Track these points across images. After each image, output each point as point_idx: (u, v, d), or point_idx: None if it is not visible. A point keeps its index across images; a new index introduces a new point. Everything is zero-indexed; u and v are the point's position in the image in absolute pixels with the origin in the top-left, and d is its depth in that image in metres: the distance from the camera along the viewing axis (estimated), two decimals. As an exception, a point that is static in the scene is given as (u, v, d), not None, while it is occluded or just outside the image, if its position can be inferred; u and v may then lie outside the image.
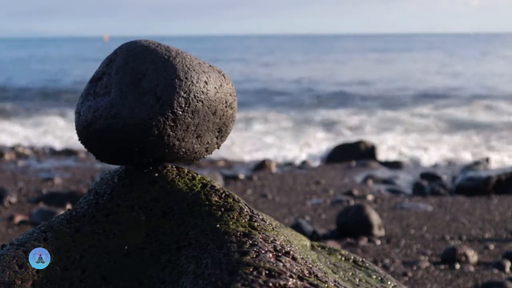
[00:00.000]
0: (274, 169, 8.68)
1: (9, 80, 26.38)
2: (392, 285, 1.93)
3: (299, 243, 1.98)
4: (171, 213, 1.64)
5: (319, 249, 2.11)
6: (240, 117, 13.28)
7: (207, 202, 1.64)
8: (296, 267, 1.43)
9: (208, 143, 1.73)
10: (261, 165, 8.79)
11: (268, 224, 1.63)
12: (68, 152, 10.46)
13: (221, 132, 1.76)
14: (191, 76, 1.62)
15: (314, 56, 46.62)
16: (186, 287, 1.42)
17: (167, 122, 1.59)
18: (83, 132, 1.66)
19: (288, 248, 1.51)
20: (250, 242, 1.49)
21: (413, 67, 32.13)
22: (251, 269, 1.37)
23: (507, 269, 4.18)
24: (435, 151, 10.47)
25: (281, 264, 1.42)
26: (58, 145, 11.45)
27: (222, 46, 73.74)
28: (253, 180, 7.62)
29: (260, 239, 1.51)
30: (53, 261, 1.57)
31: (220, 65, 2.34)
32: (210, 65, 1.71)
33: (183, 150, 1.68)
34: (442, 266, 4.26)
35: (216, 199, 1.66)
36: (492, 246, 4.72)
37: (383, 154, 10.13)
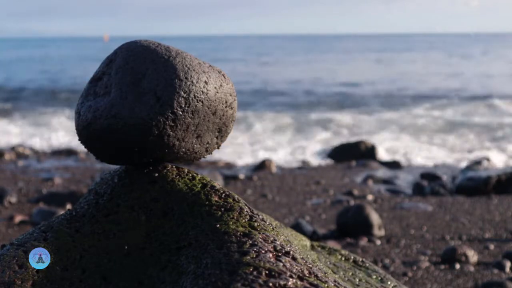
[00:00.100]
0: (274, 169, 8.68)
1: (9, 80, 26.38)
2: (392, 285, 1.93)
3: (299, 243, 1.98)
4: (171, 213, 1.64)
5: (319, 249, 2.11)
6: (240, 117, 13.28)
7: (207, 202, 1.64)
8: (296, 267, 1.43)
9: (208, 143, 1.73)
10: (261, 165, 8.79)
11: (268, 224, 1.63)
12: (68, 152, 10.47)
13: (221, 132, 1.76)
14: (191, 76, 1.62)
15: (314, 56, 46.61)
16: (186, 287, 1.42)
17: (167, 122, 1.59)
18: (83, 132, 1.66)
19: (288, 248, 1.51)
20: (250, 242, 1.49)
21: (413, 67, 32.12)
22: (251, 269, 1.37)
23: (507, 269, 4.18)
24: (434, 151, 10.47)
25: (281, 264, 1.42)
26: (58, 145, 11.44)
27: (222, 46, 73.75)
28: (253, 180, 7.62)
29: (260, 239, 1.51)
30: (53, 261, 1.57)
31: (220, 65, 2.34)
32: (210, 65, 1.71)
33: (183, 150, 1.68)
34: (442, 266, 4.26)
35: (216, 199, 1.66)
36: (492, 246, 4.72)
37: (382, 155, 10.13)
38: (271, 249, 1.48)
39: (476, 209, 6.02)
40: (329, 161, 9.76)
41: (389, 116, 14.98)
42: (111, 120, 1.59)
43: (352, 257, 2.08)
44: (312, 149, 10.90)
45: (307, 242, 2.12)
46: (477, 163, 8.26)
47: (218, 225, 1.56)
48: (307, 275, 1.42)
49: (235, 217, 1.59)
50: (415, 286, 3.93)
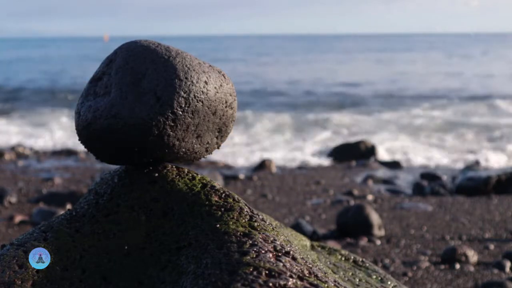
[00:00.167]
0: (274, 169, 8.68)
1: (8, 80, 26.38)
2: (392, 285, 1.93)
3: (299, 243, 1.98)
4: (171, 213, 1.64)
5: (319, 249, 2.11)
6: (239, 117, 13.28)
7: (207, 202, 1.64)
8: (296, 267, 1.43)
9: (208, 143, 1.73)
10: (261, 165, 8.79)
11: (268, 224, 1.63)
12: (68, 152, 10.47)
13: (221, 132, 1.76)
14: (191, 76, 1.62)
15: (314, 56, 46.62)
16: (186, 287, 1.42)
17: (167, 122, 1.59)
18: (83, 132, 1.66)
19: (288, 248, 1.51)
20: (250, 242, 1.49)
21: (413, 67, 32.12)
22: (251, 269, 1.37)
23: (507, 269, 4.18)
24: (434, 152, 10.47)
25: (281, 264, 1.42)
26: (57, 145, 11.44)
27: (222, 46, 73.76)
28: (253, 180, 7.62)
29: (260, 239, 1.51)
30: (53, 261, 1.57)
31: (220, 65, 2.34)
32: (210, 65, 1.71)
33: (183, 150, 1.68)
34: (442, 266, 4.26)
35: (216, 199, 1.66)
36: (492, 246, 4.72)
37: (382, 155, 10.13)
38: (271, 249, 1.48)
39: (476, 209, 6.02)
40: (329, 161, 9.76)
41: (388, 116, 14.98)
42: (111, 120, 1.59)
43: (352, 257, 2.08)
44: (311, 149, 10.90)
45: (307, 242, 2.12)
46: (476, 163, 8.26)
47: (218, 225, 1.56)
48: (307, 275, 1.42)
49: (235, 217, 1.59)
50: (415, 286, 3.93)
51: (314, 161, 9.85)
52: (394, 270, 4.18)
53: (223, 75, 1.72)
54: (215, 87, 1.67)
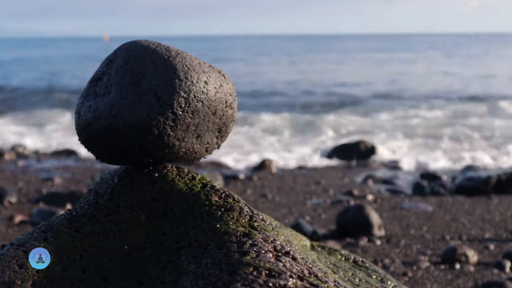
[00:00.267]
0: (274, 169, 8.68)
1: (8, 80, 26.38)
2: (392, 285, 1.93)
3: (299, 243, 1.98)
4: (171, 213, 1.64)
5: (319, 249, 2.11)
6: (239, 117, 13.28)
7: (207, 202, 1.64)
8: (296, 267, 1.43)
9: (208, 143, 1.73)
10: (261, 165, 8.79)
11: (268, 224, 1.63)
12: (68, 152, 10.47)
13: (221, 132, 1.76)
14: (191, 76, 1.62)
15: (313, 56, 46.61)
16: (186, 287, 1.42)
17: (167, 122, 1.59)
18: (83, 132, 1.66)
19: (288, 248, 1.51)
20: (250, 242, 1.49)
21: (413, 67, 32.12)
22: (251, 269, 1.37)
23: (507, 269, 4.18)
24: (433, 152, 10.46)
25: (281, 264, 1.42)
26: (57, 146, 11.43)
27: (222, 46, 73.75)
28: (253, 180, 7.62)
29: (260, 239, 1.51)
30: (53, 261, 1.57)
31: (220, 65, 2.34)
32: (210, 65, 1.71)
33: (183, 150, 1.68)
34: (442, 266, 4.26)
35: (216, 199, 1.66)
36: (492, 246, 4.72)
37: (382, 155, 10.13)
38: (271, 249, 1.48)
39: (476, 209, 6.02)
40: (329, 161, 9.76)
41: (388, 117, 14.98)
42: (111, 120, 1.59)
43: (352, 257, 2.08)
44: (311, 149, 10.90)
45: (307, 242, 2.12)
46: (476, 163, 8.26)
47: (218, 225, 1.56)
48: (307, 275, 1.42)
49: (235, 217, 1.59)
50: (415, 286, 3.93)
51: (314, 161, 9.85)
52: (394, 270, 4.18)
53: (223, 75, 1.72)
54: (215, 87, 1.67)
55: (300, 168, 9.07)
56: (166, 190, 1.68)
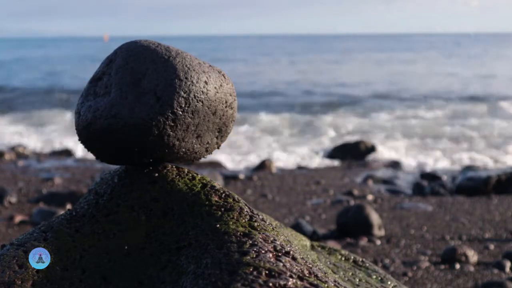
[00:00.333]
0: (274, 169, 8.68)
1: (8, 80, 26.37)
2: (392, 285, 1.93)
3: (299, 243, 1.98)
4: (171, 213, 1.64)
5: (319, 249, 2.11)
6: (238, 117, 13.27)
7: (207, 202, 1.64)
8: (296, 267, 1.43)
9: (208, 143, 1.73)
10: (261, 165, 8.79)
11: (268, 224, 1.63)
12: (68, 152, 10.47)
13: (221, 132, 1.76)
14: (191, 76, 1.62)
15: (313, 56, 46.61)
16: (186, 287, 1.42)
17: (167, 122, 1.59)
18: (83, 132, 1.66)
19: (288, 248, 1.51)
20: (250, 242, 1.49)
21: (413, 68, 32.12)
22: (251, 269, 1.37)
23: (507, 269, 4.18)
24: (433, 153, 10.46)
25: (281, 264, 1.42)
26: (56, 146, 11.43)
27: (222, 46, 73.74)
28: (253, 180, 7.62)
29: (260, 239, 1.51)
30: (53, 261, 1.57)
31: (220, 65, 2.34)
32: (210, 65, 1.71)
33: (183, 150, 1.68)
34: (442, 266, 4.26)
35: (216, 199, 1.66)
36: (492, 246, 4.72)
37: (382, 155, 10.12)
38: (271, 249, 1.48)
39: (476, 209, 6.02)
40: (329, 161, 9.76)
41: (388, 117, 14.98)
42: (111, 120, 1.59)
43: (352, 257, 2.08)
44: (311, 149, 10.90)
45: (307, 242, 2.12)
46: (475, 164, 8.26)
47: (218, 225, 1.56)
48: (307, 275, 1.42)
49: (235, 217, 1.59)
50: (415, 286, 3.93)
51: (314, 161, 9.85)
52: (394, 270, 4.18)
53: (223, 75, 1.72)
54: (215, 87, 1.67)
55: (300, 168, 9.07)
56: (166, 190, 1.68)
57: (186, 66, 1.62)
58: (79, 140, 1.70)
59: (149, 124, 1.58)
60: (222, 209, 1.62)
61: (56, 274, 1.55)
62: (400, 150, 10.62)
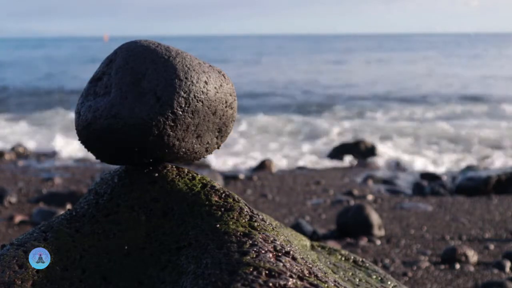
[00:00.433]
0: (274, 169, 8.68)
1: (8, 80, 26.38)
2: (392, 285, 1.93)
3: (299, 243, 1.98)
4: (171, 213, 1.64)
5: (319, 249, 2.11)
6: (238, 117, 13.25)
7: (207, 202, 1.64)
8: (296, 267, 1.43)
9: (208, 143, 1.73)
10: (261, 165, 8.79)
11: (268, 224, 1.63)
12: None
13: (221, 132, 1.76)
14: (191, 76, 1.62)
15: (313, 57, 46.61)
16: (186, 287, 1.42)
17: (167, 122, 1.59)
18: (83, 132, 1.66)
19: (288, 248, 1.51)
20: (250, 242, 1.49)
21: (412, 68, 32.11)
22: (251, 269, 1.37)
23: (507, 269, 4.18)
24: (432, 154, 10.46)
25: (281, 264, 1.42)
26: (56, 146, 11.42)
27: (222, 46, 73.74)
28: (253, 180, 7.62)
29: (260, 239, 1.51)
30: (53, 261, 1.57)
31: (219, 65, 2.34)
32: (210, 65, 1.71)
33: (183, 150, 1.68)
34: (442, 266, 4.26)
35: (216, 199, 1.66)
36: (492, 246, 4.72)
37: (382, 155, 10.12)
38: (271, 249, 1.48)
39: (476, 209, 6.02)
40: (328, 161, 9.76)
41: (388, 117, 14.98)
42: (111, 120, 1.59)
43: (352, 257, 2.08)
44: (311, 149, 10.90)
45: (307, 242, 2.12)
46: (475, 164, 8.26)
47: (218, 225, 1.56)
48: (307, 275, 1.42)
49: (235, 217, 1.59)
50: (415, 286, 3.93)
51: (314, 161, 9.84)
52: (394, 270, 4.18)
53: (223, 75, 1.72)
54: (215, 87, 1.67)
55: (300, 168, 9.07)
56: (166, 190, 1.68)
57: (186, 66, 1.62)
58: (79, 140, 1.70)
59: (149, 124, 1.58)
60: (222, 209, 1.62)
61: (56, 274, 1.55)
62: (400, 150, 10.61)
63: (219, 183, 1.77)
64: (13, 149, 10.52)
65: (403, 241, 4.90)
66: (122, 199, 1.69)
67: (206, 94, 1.65)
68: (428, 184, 7.30)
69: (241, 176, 7.79)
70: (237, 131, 12.25)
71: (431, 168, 8.98)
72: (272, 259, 1.43)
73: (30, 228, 3.02)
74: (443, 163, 9.52)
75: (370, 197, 6.58)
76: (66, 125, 13.41)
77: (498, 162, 9.51)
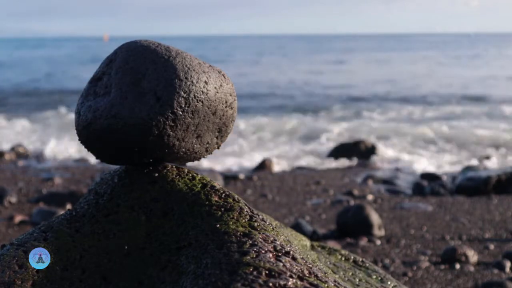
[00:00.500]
0: (274, 169, 8.68)
1: (7, 80, 26.37)
2: (392, 285, 1.93)
3: (299, 243, 1.98)
4: (171, 213, 1.64)
5: (319, 249, 2.11)
6: (238, 117, 13.26)
7: (207, 202, 1.64)
8: (296, 267, 1.43)
9: (208, 143, 1.73)
10: (261, 165, 8.79)
11: (268, 224, 1.63)
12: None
13: (221, 132, 1.76)
14: (191, 76, 1.62)
15: (313, 57, 46.61)
16: (186, 287, 1.42)
17: (167, 122, 1.59)
18: (83, 132, 1.66)
19: (288, 248, 1.51)
20: (250, 242, 1.49)
21: (412, 68, 32.11)
22: (251, 269, 1.37)
23: (507, 269, 4.18)
24: (431, 155, 10.45)
25: (281, 264, 1.42)
26: (55, 146, 11.42)
27: (222, 46, 73.75)
28: (253, 180, 7.62)
29: (260, 239, 1.51)
30: (53, 261, 1.57)
31: (219, 65, 2.34)
32: (210, 65, 1.71)
33: (183, 150, 1.68)
34: (442, 266, 4.26)
35: (216, 199, 1.66)
36: (492, 246, 4.72)
37: (382, 155, 10.11)
38: (271, 249, 1.48)
39: (476, 209, 6.02)
40: (328, 161, 9.75)
41: (388, 117, 14.98)
42: (111, 120, 1.59)
43: (352, 257, 2.08)
44: (311, 149, 10.90)
45: (307, 242, 2.12)
46: (472, 166, 8.26)
47: (218, 225, 1.56)
48: (307, 275, 1.42)
49: (235, 217, 1.59)
50: (415, 286, 3.93)
51: (314, 161, 9.84)
52: (394, 270, 4.18)
53: (223, 75, 1.72)
54: (215, 87, 1.67)
55: (300, 168, 9.07)
56: (166, 190, 1.68)
57: (186, 66, 1.62)
58: (79, 140, 1.70)
59: (149, 124, 1.58)
60: (222, 209, 1.62)
61: (56, 274, 1.55)
62: (400, 150, 10.61)
63: (219, 183, 1.77)
64: (13, 149, 10.52)
65: (403, 241, 4.90)
66: (122, 199, 1.69)
67: (206, 94, 1.65)
68: (428, 184, 7.30)
69: (241, 176, 7.79)
70: (237, 131, 12.25)
71: (431, 168, 8.98)
72: (272, 259, 1.43)
73: (30, 228, 3.02)
74: (443, 163, 9.52)
75: (370, 197, 6.58)
76: (66, 125, 13.41)
77: (498, 162, 9.51)
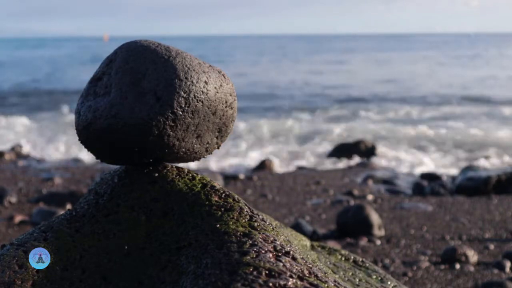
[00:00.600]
0: (274, 169, 8.68)
1: (7, 80, 26.37)
2: (392, 285, 1.93)
3: (299, 243, 1.98)
4: (171, 213, 1.64)
5: (319, 249, 2.11)
6: (238, 117, 13.24)
7: (207, 202, 1.64)
8: (296, 267, 1.43)
9: (208, 143, 1.73)
10: (261, 165, 8.79)
11: (268, 224, 1.63)
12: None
13: (221, 132, 1.76)
14: (191, 76, 1.62)
15: (313, 57, 46.60)
16: (186, 287, 1.42)
17: (167, 122, 1.59)
18: (83, 132, 1.66)
19: (288, 248, 1.51)
20: (250, 242, 1.49)
21: (412, 68, 32.11)
22: (251, 269, 1.37)
23: (507, 269, 4.18)
24: (430, 156, 10.45)
25: (281, 264, 1.42)
26: (55, 146, 11.42)
27: (222, 46, 73.74)
28: (253, 180, 7.62)
29: (260, 239, 1.51)
30: (53, 261, 1.57)
31: (219, 65, 2.35)
32: (210, 65, 1.71)
33: (183, 150, 1.68)
34: (442, 266, 4.26)
35: (216, 199, 1.66)
36: (492, 246, 4.72)
37: (382, 155, 10.12)
38: (271, 249, 1.48)
39: (476, 209, 6.02)
40: (328, 161, 9.76)
41: (387, 117, 14.98)
42: (111, 120, 1.59)
43: (352, 257, 2.08)
44: (311, 149, 10.90)
45: (307, 242, 2.12)
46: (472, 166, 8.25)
47: (218, 225, 1.56)
48: (307, 275, 1.42)
49: (235, 217, 1.59)
50: (415, 286, 3.93)
51: (314, 161, 9.84)
52: (394, 270, 4.18)
53: (223, 75, 1.72)
54: (215, 87, 1.67)
55: (300, 168, 9.07)
56: (166, 190, 1.68)
57: (186, 66, 1.62)
58: (79, 140, 1.70)
59: (149, 124, 1.58)
60: (222, 209, 1.62)
61: (56, 274, 1.55)
62: (400, 150, 10.61)
63: (219, 183, 1.77)
64: (13, 149, 10.52)
65: (403, 241, 4.90)
66: (122, 199, 1.69)
67: (206, 94, 1.65)
68: (428, 184, 7.30)
69: (241, 176, 7.79)
70: (237, 131, 12.25)
71: (431, 168, 8.98)
72: (272, 259, 1.43)
73: (30, 228, 3.02)
74: (443, 163, 9.52)
75: (370, 197, 6.58)
76: (66, 125, 13.40)
77: (498, 162, 9.51)
